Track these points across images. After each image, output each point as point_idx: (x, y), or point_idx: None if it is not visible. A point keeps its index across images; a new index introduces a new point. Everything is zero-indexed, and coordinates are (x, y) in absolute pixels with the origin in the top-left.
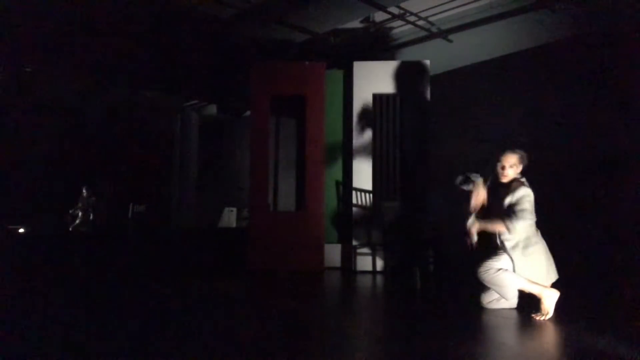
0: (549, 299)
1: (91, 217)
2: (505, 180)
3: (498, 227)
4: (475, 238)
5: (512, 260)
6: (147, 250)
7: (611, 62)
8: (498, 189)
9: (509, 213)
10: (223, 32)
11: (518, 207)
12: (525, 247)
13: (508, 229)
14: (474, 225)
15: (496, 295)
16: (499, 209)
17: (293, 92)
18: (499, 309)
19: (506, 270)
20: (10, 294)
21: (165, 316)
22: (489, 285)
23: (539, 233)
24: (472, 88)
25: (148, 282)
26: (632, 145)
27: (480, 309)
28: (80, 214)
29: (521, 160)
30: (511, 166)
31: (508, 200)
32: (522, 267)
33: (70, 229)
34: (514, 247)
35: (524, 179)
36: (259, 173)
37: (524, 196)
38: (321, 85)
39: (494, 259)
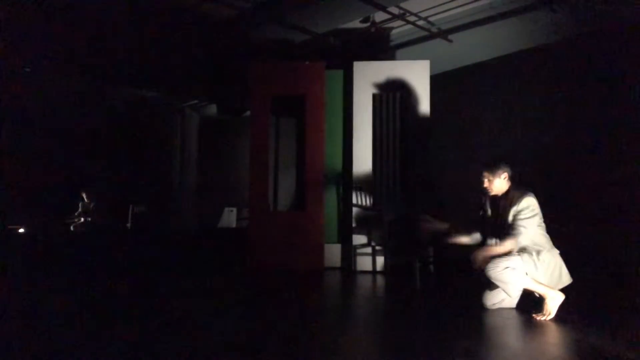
0: (553, 301)
1: (90, 219)
2: (494, 193)
3: (506, 248)
4: (481, 264)
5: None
6: (147, 250)
7: (611, 62)
8: (498, 201)
9: (511, 226)
10: (223, 32)
11: (518, 219)
12: (538, 252)
13: (513, 248)
14: (479, 256)
15: (499, 298)
16: (502, 220)
17: (293, 92)
18: (499, 309)
19: (514, 268)
20: (10, 294)
21: (165, 316)
22: (494, 282)
23: (550, 240)
24: (472, 88)
25: (148, 282)
26: (632, 145)
27: (481, 309)
28: (80, 214)
29: (493, 172)
30: (490, 181)
31: (512, 212)
32: (534, 272)
33: (72, 227)
34: (523, 252)
35: (527, 189)
36: (259, 173)
37: (527, 207)
38: (321, 85)
39: (504, 258)
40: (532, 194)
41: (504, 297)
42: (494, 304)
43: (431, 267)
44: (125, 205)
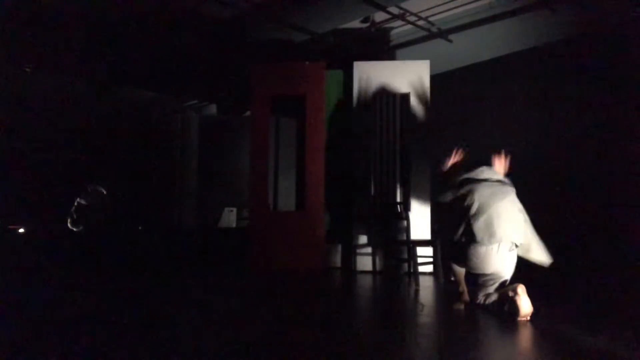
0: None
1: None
2: None
3: None
4: None
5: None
6: (148, 250)
7: (611, 62)
8: None
9: None
10: (223, 32)
11: None
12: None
13: None
14: None
15: (484, 292)
16: None
17: (293, 92)
18: (495, 309)
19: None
20: (10, 294)
21: (166, 316)
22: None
23: None
24: (472, 88)
25: (149, 282)
26: (631, 145)
27: (478, 309)
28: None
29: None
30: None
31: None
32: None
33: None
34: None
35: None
36: (259, 173)
37: None
38: (321, 85)
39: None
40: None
41: (490, 292)
42: (479, 300)
43: (431, 267)
44: (126, 205)
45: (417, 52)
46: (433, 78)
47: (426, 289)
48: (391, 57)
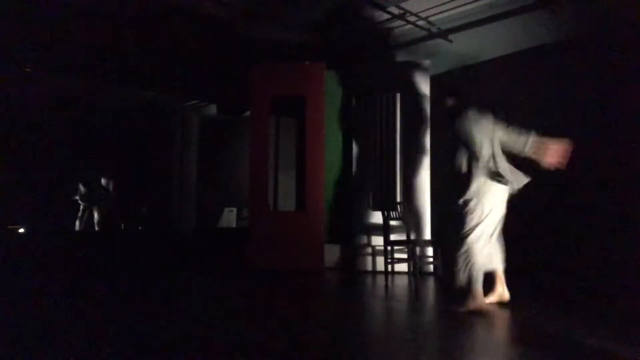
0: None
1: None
2: None
3: None
4: None
5: None
6: (148, 250)
7: (611, 62)
8: None
9: None
10: (223, 32)
11: None
12: None
13: None
14: None
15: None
16: None
17: (293, 92)
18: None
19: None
20: (10, 295)
21: (166, 316)
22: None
23: None
24: (472, 88)
25: (149, 282)
26: (630, 145)
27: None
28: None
29: None
30: None
31: None
32: None
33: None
34: None
35: None
36: (259, 173)
37: None
38: (321, 85)
39: None
40: None
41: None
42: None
43: (431, 267)
44: (126, 205)
45: (417, 52)
46: (433, 78)
47: (426, 289)
48: (391, 57)
